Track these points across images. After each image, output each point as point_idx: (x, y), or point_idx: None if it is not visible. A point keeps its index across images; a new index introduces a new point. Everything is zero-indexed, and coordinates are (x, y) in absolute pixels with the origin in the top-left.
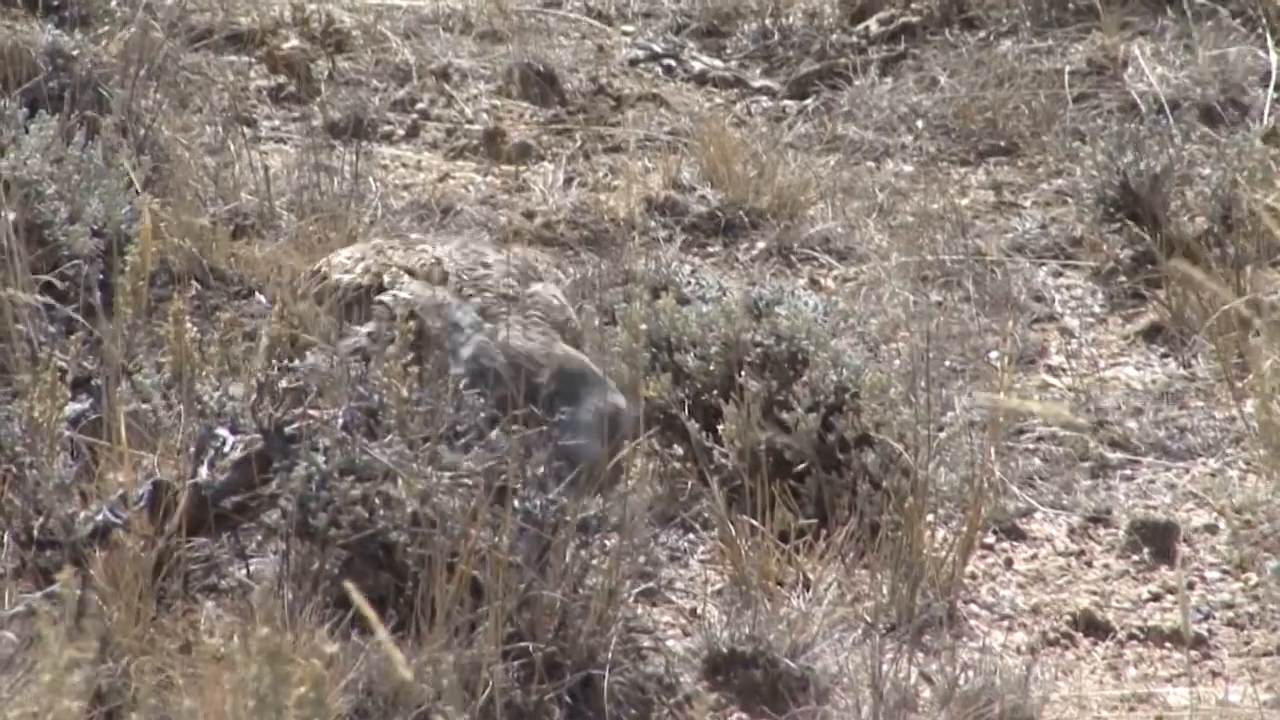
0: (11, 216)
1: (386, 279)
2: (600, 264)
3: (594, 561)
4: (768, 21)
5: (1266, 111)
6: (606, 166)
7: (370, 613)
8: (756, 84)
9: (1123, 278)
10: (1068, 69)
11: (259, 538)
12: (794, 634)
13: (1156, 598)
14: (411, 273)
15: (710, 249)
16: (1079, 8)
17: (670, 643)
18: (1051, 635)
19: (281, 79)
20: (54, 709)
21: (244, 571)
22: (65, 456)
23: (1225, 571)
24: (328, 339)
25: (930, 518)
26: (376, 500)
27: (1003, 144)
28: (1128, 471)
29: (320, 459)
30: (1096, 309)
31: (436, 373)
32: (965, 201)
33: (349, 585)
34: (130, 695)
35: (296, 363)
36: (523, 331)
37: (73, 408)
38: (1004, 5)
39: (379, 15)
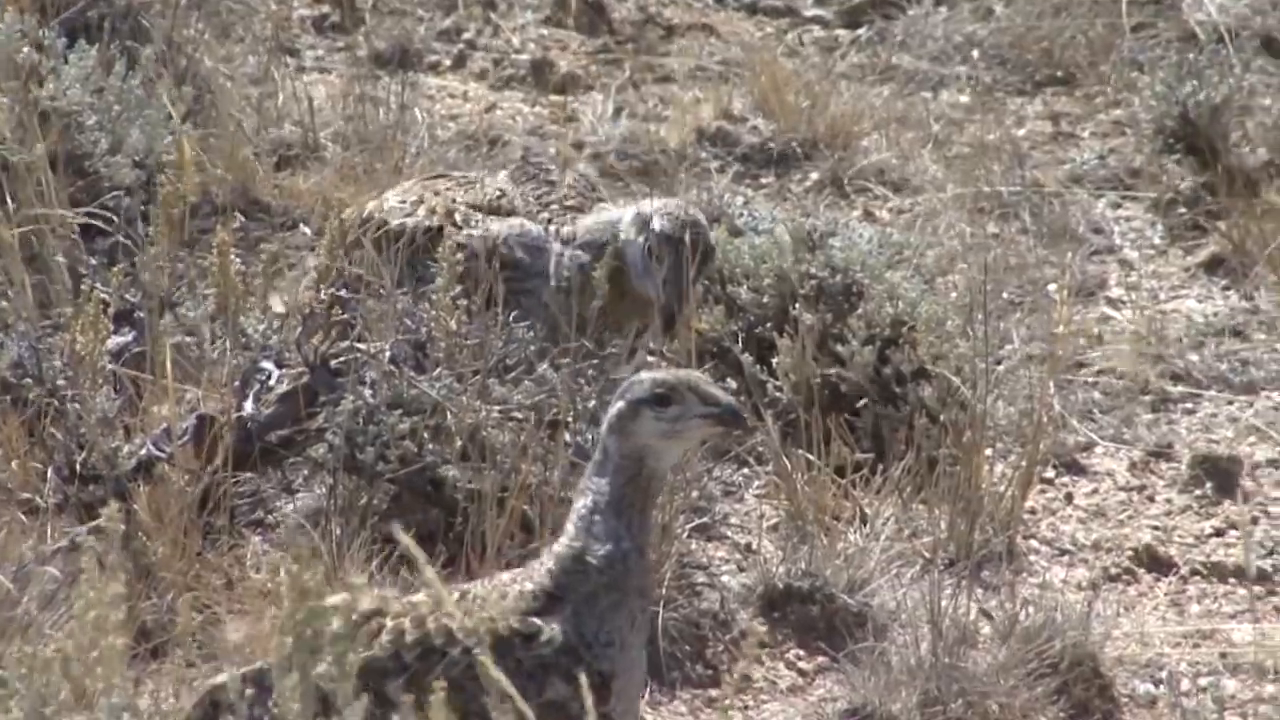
0: (39, 149)
1: (459, 218)
2: (651, 195)
3: None
4: None
5: None
6: (656, 97)
7: (419, 552)
8: (809, 13)
9: (1182, 209)
10: None
11: (305, 472)
12: (851, 570)
13: (1219, 533)
14: (479, 208)
15: (763, 180)
16: None
17: (725, 578)
18: (1113, 571)
19: (325, 8)
20: (98, 645)
21: (290, 506)
22: (108, 390)
23: None
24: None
25: (989, 452)
26: (425, 434)
27: (1059, 74)
28: (1189, 405)
29: (367, 393)
30: (1156, 241)
31: (486, 305)
32: (1022, 132)
33: (394, 525)
34: (175, 630)
35: (344, 293)
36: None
37: (115, 340)
38: None
39: None
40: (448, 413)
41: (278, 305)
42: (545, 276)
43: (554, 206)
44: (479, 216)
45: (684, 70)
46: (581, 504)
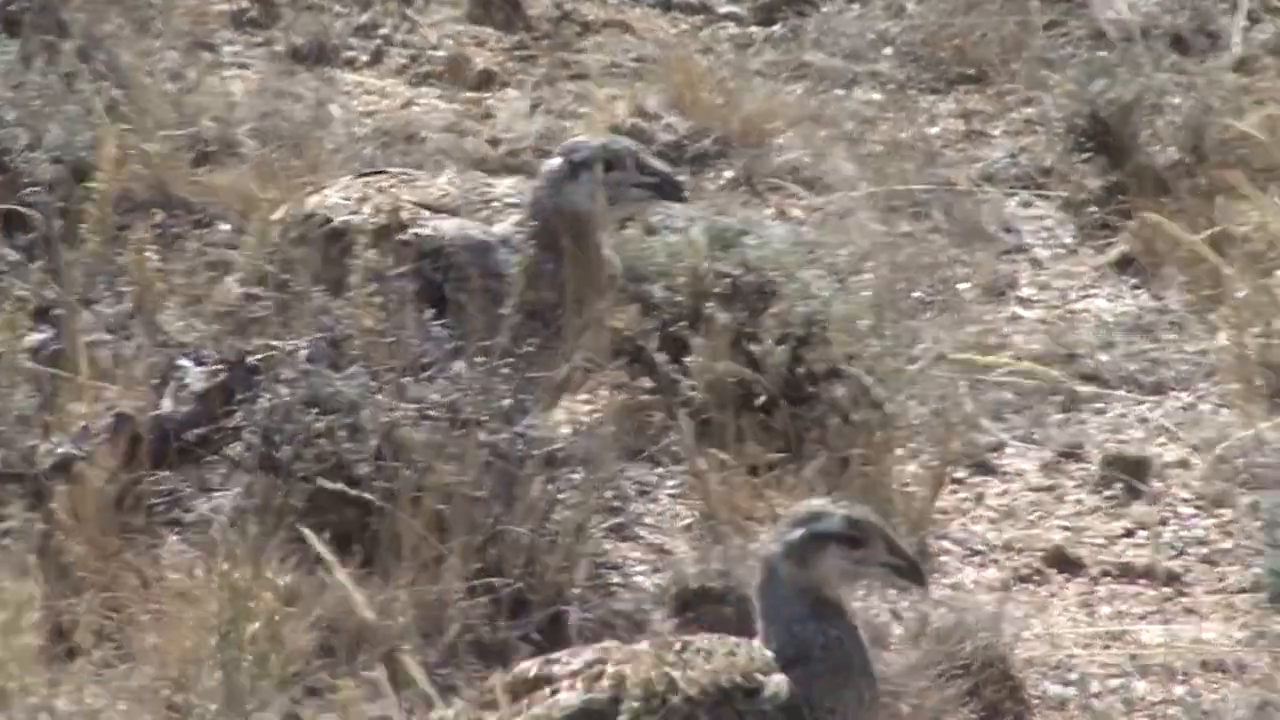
0: None
1: (405, 216)
2: None
3: (561, 496)
4: None
5: (1236, 39)
6: (572, 94)
7: (328, 554)
8: (723, 10)
9: (1093, 208)
10: None
11: (223, 471)
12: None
13: (1129, 534)
14: (427, 207)
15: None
16: None
17: (639, 579)
18: (1023, 572)
19: (243, 3)
20: (10, 646)
21: (207, 506)
22: (26, 388)
23: (1199, 507)
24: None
25: (900, 452)
26: (341, 433)
27: (971, 72)
28: (1099, 405)
29: (284, 391)
30: (1067, 240)
31: (401, 302)
32: (934, 130)
33: (304, 529)
34: (92, 631)
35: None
36: None
37: (34, 338)
38: None
39: None
40: (363, 411)
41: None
42: (494, 274)
43: (494, 204)
44: (425, 214)
45: (599, 67)
46: (764, 621)
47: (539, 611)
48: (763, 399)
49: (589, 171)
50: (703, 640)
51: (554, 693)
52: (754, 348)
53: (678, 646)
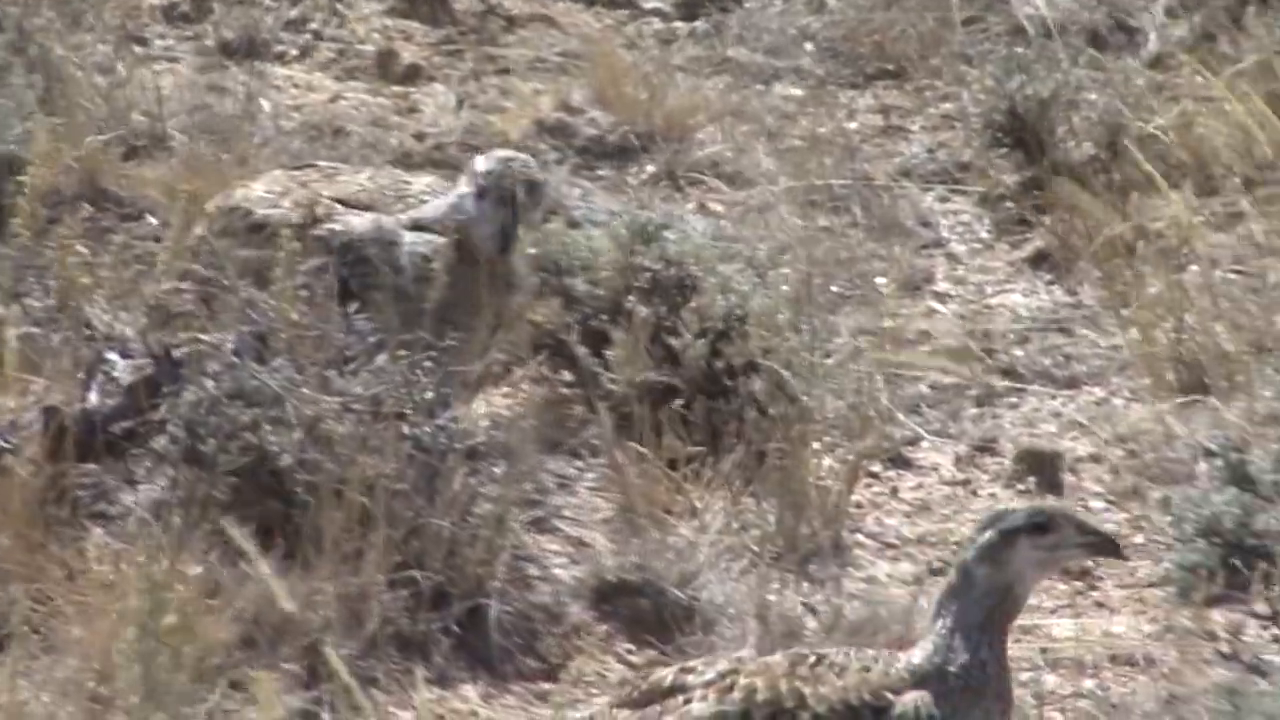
0: None
1: (320, 212)
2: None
3: (482, 489)
4: None
5: (1153, 36)
6: (497, 88)
7: (249, 546)
8: (647, 5)
9: (1009, 203)
10: None
11: (148, 464)
12: (681, 563)
13: None
14: (342, 202)
15: (600, 172)
16: None
17: (558, 571)
18: (936, 565)
19: None
20: None
21: (132, 498)
22: None
23: (1110, 501)
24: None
25: (817, 445)
26: (265, 426)
27: (891, 67)
28: (1014, 400)
29: (209, 384)
30: (983, 235)
31: (327, 296)
32: (853, 125)
33: (225, 521)
34: (16, 623)
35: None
36: None
37: None
38: None
39: None
40: (287, 404)
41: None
42: (397, 269)
43: (410, 199)
44: (339, 210)
45: (524, 62)
46: (941, 624)
47: (459, 604)
48: (682, 393)
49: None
50: (839, 654)
51: (686, 701)
52: (673, 341)
53: (812, 660)
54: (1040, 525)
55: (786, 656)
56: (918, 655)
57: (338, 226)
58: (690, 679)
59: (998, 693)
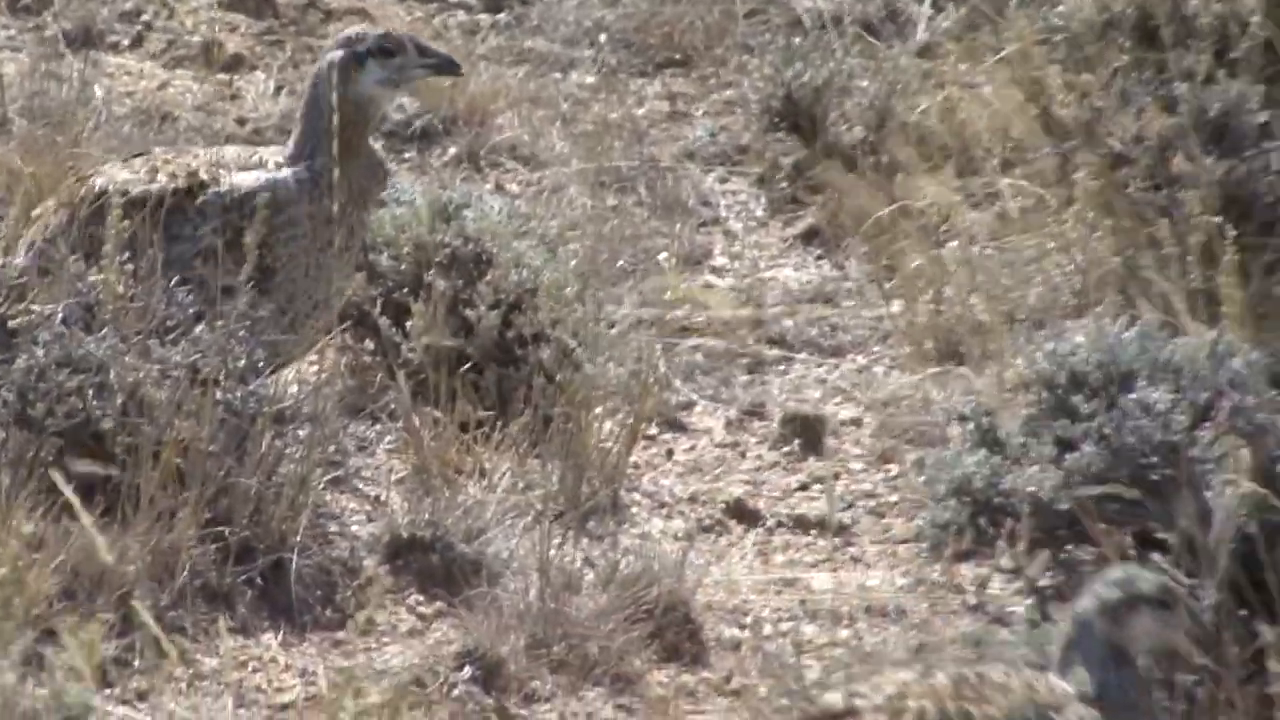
0: None
1: (205, 176)
2: None
3: (288, 451)
4: None
5: (921, 27)
6: None
7: (75, 499)
8: None
9: (784, 184)
10: None
11: None
12: (469, 520)
13: (804, 487)
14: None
15: (405, 154)
16: None
17: (355, 528)
18: (706, 522)
19: None
20: None
21: None
22: None
23: (868, 463)
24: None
25: (599, 410)
26: (90, 391)
27: (678, 57)
28: (782, 367)
29: (40, 352)
30: (759, 213)
31: (150, 270)
32: (642, 111)
33: (54, 474)
34: None
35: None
36: None
37: None
38: None
39: None
40: (111, 371)
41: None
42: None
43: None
44: (225, 172)
45: None
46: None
47: (263, 558)
48: (475, 361)
49: (375, 59)
50: (998, 672)
51: None
52: (469, 313)
53: (973, 679)
54: (1164, 603)
55: (950, 678)
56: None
57: (225, 187)
58: (859, 702)
59: (1147, 710)
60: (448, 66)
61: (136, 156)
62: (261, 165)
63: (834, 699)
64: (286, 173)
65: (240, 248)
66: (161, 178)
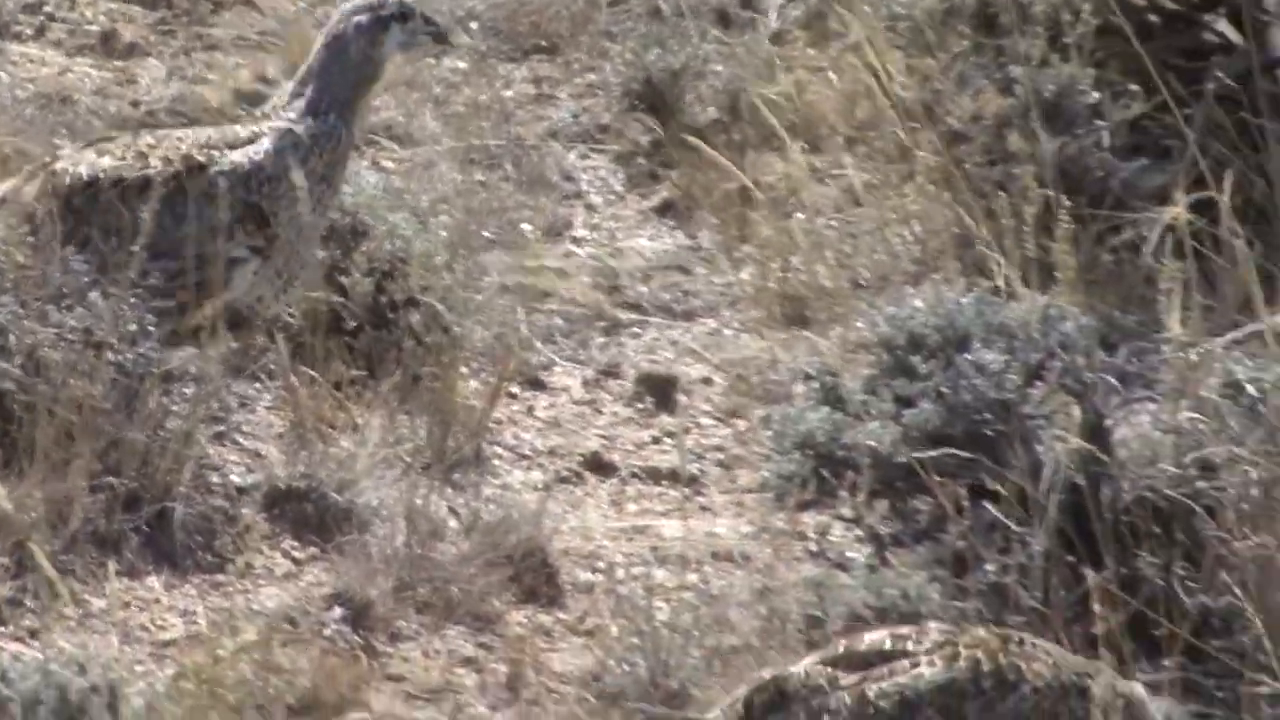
0: None
1: (201, 158)
2: None
3: (174, 408)
4: None
5: (774, 15)
6: (204, 63)
7: None
8: None
9: (641, 160)
10: None
11: None
12: (342, 472)
13: (656, 441)
14: (214, 147)
15: None
16: None
17: (235, 479)
18: (564, 474)
19: None
20: None
21: None
22: None
23: (718, 419)
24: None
25: (465, 370)
26: None
27: (544, 43)
28: (637, 330)
29: None
30: (618, 188)
31: (48, 239)
32: (509, 94)
33: None
34: None
35: None
36: None
37: None
38: None
39: None
40: (10, 335)
41: None
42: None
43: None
44: (219, 152)
45: (228, 39)
46: None
47: (149, 507)
48: (350, 324)
49: (399, 23)
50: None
51: (914, 665)
52: (344, 280)
53: (1017, 638)
54: None
55: (994, 634)
56: None
57: (227, 165)
58: (910, 645)
59: None
60: (443, 36)
61: (102, 141)
62: (252, 140)
63: (878, 639)
64: (299, 128)
65: (251, 219)
66: (155, 162)
